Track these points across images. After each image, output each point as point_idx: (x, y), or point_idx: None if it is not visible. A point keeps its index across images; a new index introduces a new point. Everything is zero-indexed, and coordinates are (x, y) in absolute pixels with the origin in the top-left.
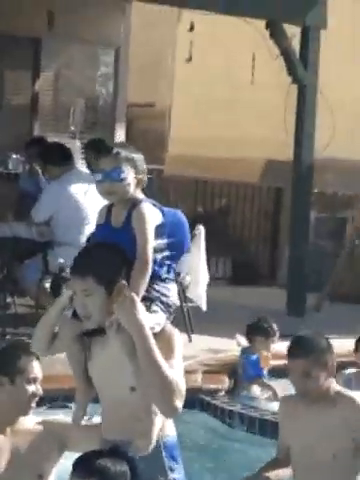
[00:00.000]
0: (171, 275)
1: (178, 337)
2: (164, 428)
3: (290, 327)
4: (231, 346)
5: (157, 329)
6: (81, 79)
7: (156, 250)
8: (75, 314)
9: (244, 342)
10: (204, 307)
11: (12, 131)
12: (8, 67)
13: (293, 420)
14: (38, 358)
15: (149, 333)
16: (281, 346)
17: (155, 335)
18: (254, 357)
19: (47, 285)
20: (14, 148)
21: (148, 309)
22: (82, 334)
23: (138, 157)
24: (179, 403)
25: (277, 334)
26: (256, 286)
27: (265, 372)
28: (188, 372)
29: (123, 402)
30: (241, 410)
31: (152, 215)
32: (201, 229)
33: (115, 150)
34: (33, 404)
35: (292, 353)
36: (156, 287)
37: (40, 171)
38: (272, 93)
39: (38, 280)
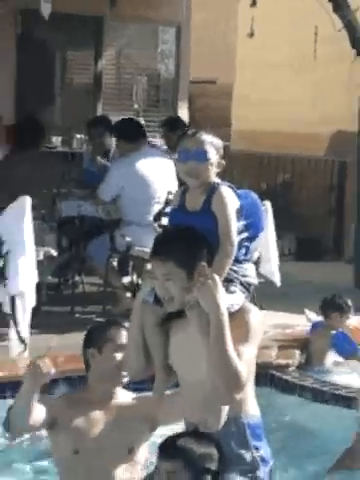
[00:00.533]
0: (248, 256)
1: (256, 318)
2: (247, 408)
3: (358, 301)
4: (300, 321)
5: (235, 308)
6: (143, 57)
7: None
8: (156, 300)
9: (314, 317)
10: (278, 282)
11: (76, 111)
12: (71, 47)
13: None
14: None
15: (226, 319)
16: (354, 321)
17: (233, 313)
18: (342, 333)
19: (115, 263)
20: (78, 128)
21: (227, 290)
22: (163, 319)
23: (218, 142)
24: (237, 395)
25: (352, 310)
26: (322, 261)
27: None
28: (261, 348)
29: (203, 383)
30: (313, 385)
31: (232, 198)
32: (268, 205)
33: (199, 132)
34: (124, 373)
35: None
36: (234, 268)
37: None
38: (335, 66)
39: (106, 259)
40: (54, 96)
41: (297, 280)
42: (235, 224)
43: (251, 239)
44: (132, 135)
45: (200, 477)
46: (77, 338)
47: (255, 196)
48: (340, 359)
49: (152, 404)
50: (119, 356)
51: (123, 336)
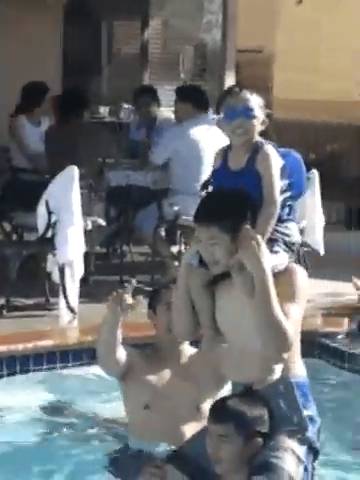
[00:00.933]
0: (291, 216)
1: (302, 278)
2: (294, 368)
3: None
4: (348, 290)
5: (280, 268)
6: (189, 27)
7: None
8: (201, 262)
9: None
10: (322, 251)
11: (123, 81)
12: (117, 18)
13: None
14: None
15: (271, 281)
16: None
17: (278, 274)
18: None
19: (163, 233)
20: (125, 98)
21: (270, 250)
22: (209, 282)
23: (261, 100)
24: (285, 354)
25: None
26: None
27: None
28: (307, 316)
29: (249, 343)
30: None
31: (276, 157)
32: (315, 173)
33: (243, 90)
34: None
35: None
36: (278, 228)
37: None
38: None
39: (154, 228)
40: (101, 67)
41: (344, 249)
42: (279, 183)
43: (294, 198)
44: (202, 102)
45: (251, 439)
46: None
47: (297, 155)
48: None
49: (218, 362)
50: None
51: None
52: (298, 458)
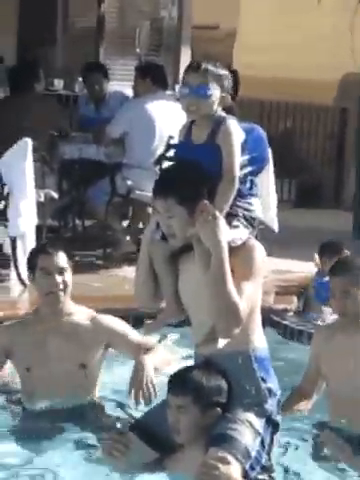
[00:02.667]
0: (253, 190)
1: (260, 253)
2: (254, 340)
3: (356, 249)
4: (298, 267)
5: (238, 243)
6: (146, 2)
7: (239, 167)
8: (163, 236)
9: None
10: (276, 228)
11: (78, 54)
12: None
13: (330, 349)
14: (61, 249)
15: (226, 256)
16: None
17: (236, 248)
18: (326, 279)
19: (115, 207)
20: (80, 71)
21: (229, 224)
22: (173, 254)
23: (225, 74)
24: (235, 330)
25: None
26: (321, 209)
27: None
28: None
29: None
30: (310, 330)
31: (238, 132)
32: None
33: (204, 66)
34: (59, 293)
35: (332, 272)
36: (238, 203)
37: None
38: (339, 14)
39: (106, 202)
40: (56, 39)
41: (296, 227)
42: (239, 159)
43: (255, 173)
44: (162, 79)
45: (209, 410)
46: (77, 281)
47: (260, 129)
48: None
49: (110, 331)
50: (48, 281)
51: (51, 261)
52: (255, 430)
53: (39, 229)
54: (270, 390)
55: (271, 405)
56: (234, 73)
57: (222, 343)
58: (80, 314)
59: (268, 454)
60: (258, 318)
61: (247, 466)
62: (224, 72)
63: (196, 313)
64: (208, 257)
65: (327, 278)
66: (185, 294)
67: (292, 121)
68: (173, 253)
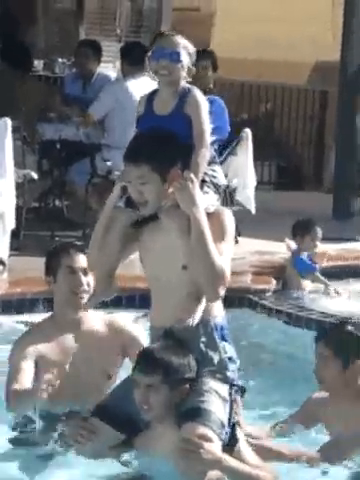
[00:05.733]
0: (216, 158)
1: (230, 218)
2: (213, 309)
3: (336, 231)
4: (277, 248)
5: (211, 209)
6: None
7: None
8: (128, 204)
9: (294, 245)
10: (253, 210)
11: (58, 35)
12: None
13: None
14: (81, 251)
15: (205, 217)
16: (327, 248)
17: (208, 214)
18: (305, 254)
19: (95, 188)
20: (60, 52)
21: (201, 191)
22: (135, 223)
23: (192, 48)
24: (222, 290)
25: (319, 234)
26: (301, 190)
27: (318, 267)
28: (237, 273)
29: (175, 283)
30: (289, 310)
31: (204, 101)
32: (248, 132)
33: (175, 34)
34: (83, 296)
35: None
36: (206, 171)
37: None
38: None
39: (86, 183)
40: (37, 20)
41: (276, 208)
42: (209, 126)
43: (218, 142)
44: (136, 59)
45: (178, 387)
46: None
47: (221, 101)
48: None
49: (129, 336)
50: (73, 280)
51: (76, 260)
52: (222, 398)
53: (18, 209)
54: (231, 357)
55: (232, 371)
56: (211, 54)
57: (198, 312)
58: (97, 320)
59: (230, 416)
60: None
61: (222, 436)
62: (192, 46)
63: (161, 282)
64: (187, 223)
65: (304, 254)
66: (148, 263)
67: (273, 103)
68: (132, 223)
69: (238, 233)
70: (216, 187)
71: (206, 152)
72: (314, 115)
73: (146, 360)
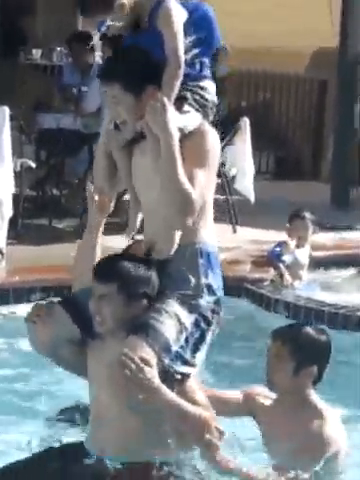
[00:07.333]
0: (206, 72)
1: (211, 140)
2: (203, 235)
3: (334, 220)
4: (275, 238)
5: (190, 128)
6: None
7: (184, 50)
8: (117, 126)
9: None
10: (252, 199)
11: (57, 24)
12: None
13: None
14: None
15: (175, 142)
16: (323, 238)
17: (188, 135)
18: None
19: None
20: (58, 40)
21: (179, 110)
22: (127, 142)
23: None
24: (189, 219)
25: (310, 222)
26: (299, 180)
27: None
28: (234, 262)
29: (154, 207)
30: (286, 299)
31: (179, 12)
32: (246, 121)
33: None
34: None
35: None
36: (187, 87)
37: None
38: None
39: (84, 172)
40: (36, 7)
41: (274, 198)
42: (182, 41)
43: (205, 54)
44: None
45: (134, 300)
46: (54, 250)
47: (206, 7)
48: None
49: None
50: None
51: None
52: (182, 326)
53: (16, 198)
54: (210, 286)
55: (206, 302)
56: None
57: (174, 240)
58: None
59: (195, 351)
60: (210, 213)
61: (167, 360)
62: None
63: (144, 204)
64: (159, 145)
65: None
66: (136, 183)
67: (271, 92)
68: (126, 144)
69: (236, 222)
70: (202, 104)
71: (178, 70)
72: (312, 104)
73: (103, 268)
